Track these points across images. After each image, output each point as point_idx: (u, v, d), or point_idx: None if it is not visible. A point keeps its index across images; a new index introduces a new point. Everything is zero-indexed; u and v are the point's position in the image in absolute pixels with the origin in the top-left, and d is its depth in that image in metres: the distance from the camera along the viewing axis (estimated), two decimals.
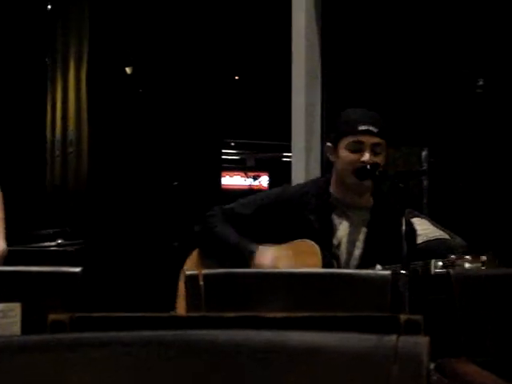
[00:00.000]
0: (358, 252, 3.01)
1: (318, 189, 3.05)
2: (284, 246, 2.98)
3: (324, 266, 2.87)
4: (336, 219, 3.03)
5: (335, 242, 3.01)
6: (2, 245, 3.35)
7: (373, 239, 3.01)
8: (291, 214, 3.00)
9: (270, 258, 2.96)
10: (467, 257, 2.82)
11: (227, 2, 7.98)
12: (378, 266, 2.87)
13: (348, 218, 3.04)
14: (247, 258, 2.96)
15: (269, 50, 8.08)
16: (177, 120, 8.05)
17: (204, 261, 3.06)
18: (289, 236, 2.98)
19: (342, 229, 3.03)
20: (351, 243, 3.02)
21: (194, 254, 3.12)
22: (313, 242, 2.92)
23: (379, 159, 2.95)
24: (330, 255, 2.95)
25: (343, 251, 3.01)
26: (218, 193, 9.02)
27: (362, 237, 3.02)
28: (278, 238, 2.99)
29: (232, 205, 3.11)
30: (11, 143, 6.22)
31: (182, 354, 1.16)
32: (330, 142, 3.07)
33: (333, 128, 3.13)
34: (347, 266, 2.97)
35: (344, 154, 2.98)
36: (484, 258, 2.83)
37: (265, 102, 9.25)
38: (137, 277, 6.46)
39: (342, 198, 3.04)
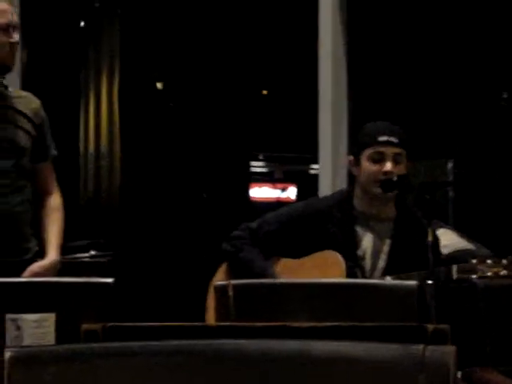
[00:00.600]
0: (382, 264, 3.03)
1: (341, 201, 3.08)
2: (307, 258, 3.01)
3: (348, 277, 2.90)
4: (360, 231, 3.05)
5: (360, 253, 3.03)
6: (53, 256, 3.22)
7: (397, 251, 3.03)
8: (316, 227, 3.03)
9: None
10: (489, 261, 2.83)
11: (257, 18, 8.02)
12: (388, 278, 2.89)
13: (372, 230, 3.06)
14: None
15: (297, 64, 8.11)
16: (206, 133, 8.10)
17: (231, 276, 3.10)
18: (314, 249, 3.00)
19: (367, 240, 3.05)
20: (375, 255, 3.04)
21: (224, 266, 3.16)
22: (335, 253, 2.94)
23: (400, 169, 2.98)
24: (354, 266, 2.98)
25: (368, 263, 3.03)
26: (247, 204, 9.04)
27: (386, 248, 3.04)
28: (303, 251, 3.02)
29: (258, 221, 3.14)
30: None
31: (211, 363, 1.18)
32: (353, 155, 3.11)
33: (354, 142, 3.17)
34: (371, 278, 2.99)
35: (366, 165, 3.02)
36: (505, 261, 2.84)
37: (292, 115, 9.27)
38: (168, 288, 6.50)
39: (366, 210, 3.06)
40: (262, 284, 2.53)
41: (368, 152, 3.01)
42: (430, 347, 1.13)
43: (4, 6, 3.17)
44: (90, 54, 7.83)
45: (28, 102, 3.27)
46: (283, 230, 3.07)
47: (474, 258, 3.51)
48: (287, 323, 1.33)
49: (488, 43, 5.53)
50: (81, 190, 7.81)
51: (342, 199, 3.09)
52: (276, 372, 1.18)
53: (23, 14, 5.24)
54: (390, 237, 3.05)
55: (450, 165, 4.76)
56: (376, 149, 3.00)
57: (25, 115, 3.23)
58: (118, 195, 7.57)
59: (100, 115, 7.74)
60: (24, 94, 3.38)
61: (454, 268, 2.87)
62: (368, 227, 3.06)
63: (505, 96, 5.68)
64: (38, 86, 5.82)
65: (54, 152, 3.42)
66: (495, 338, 2.51)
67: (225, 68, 8.08)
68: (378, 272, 3.03)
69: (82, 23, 7.74)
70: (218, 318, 2.45)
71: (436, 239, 3.09)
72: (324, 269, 2.94)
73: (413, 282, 2.44)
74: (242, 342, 1.22)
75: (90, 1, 7.62)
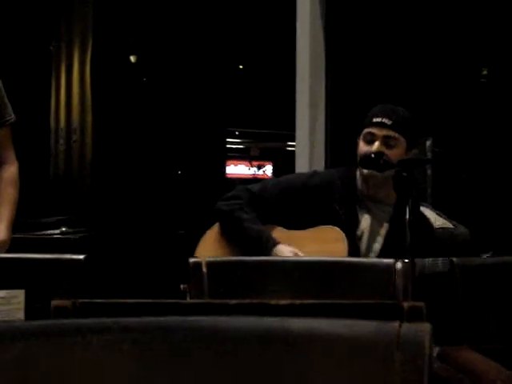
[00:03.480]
0: (377, 246, 3.04)
1: (344, 178, 3.07)
2: (309, 231, 3.00)
3: (350, 254, 2.91)
4: (359, 211, 3.05)
5: (358, 233, 3.03)
6: (3, 235, 3.01)
7: (393, 235, 3.02)
8: (317, 200, 3.02)
9: (288, 254, 2.98)
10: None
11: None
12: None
13: (370, 212, 3.06)
14: (266, 251, 2.98)
15: (274, 39, 8.07)
16: (181, 109, 8.05)
17: (221, 239, 3.07)
18: (313, 222, 3.00)
19: (364, 222, 3.05)
20: (372, 237, 3.04)
21: (212, 231, 3.11)
22: (339, 229, 2.94)
23: (392, 153, 2.95)
24: (352, 245, 2.97)
25: (364, 244, 3.03)
26: (223, 181, 9.02)
27: (383, 232, 3.05)
28: (301, 222, 3.01)
29: (259, 185, 3.13)
30: (14, 131, 6.22)
31: (184, 340, 1.17)
32: (358, 137, 3.10)
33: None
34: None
35: (360, 145, 3.03)
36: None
37: (269, 91, 9.25)
38: (141, 264, 6.47)
39: (365, 190, 3.06)
40: (236, 261, 2.51)
41: (364, 132, 3.02)
42: (406, 324, 1.14)
43: None
44: (62, 26, 7.74)
45: None
46: (284, 198, 3.05)
47: (451, 235, 3.51)
48: (264, 300, 1.30)
49: (467, 19, 5.52)
50: (51, 166, 7.74)
51: (346, 177, 3.08)
52: (251, 349, 1.17)
53: None
54: (389, 220, 3.04)
55: (428, 143, 4.76)
56: (369, 129, 2.99)
57: None
58: (89, 171, 7.51)
59: (71, 89, 7.66)
60: None
61: (440, 262, 2.87)
62: (367, 209, 3.06)
63: (484, 73, 5.68)
64: (6, 58, 5.74)
65: (10, 117, 3.19)
66: (471, 316, 2.51)
67: (200, 42, 8.03)
68: (373, 254, 3.03)
69: None
70: (192, 295, 2.43)
71: (427, 221, 3.09)
72: (325, 244, 2.94)
73: (391, 260, 2.43)
74: (217, 318, 1.21)
75: None
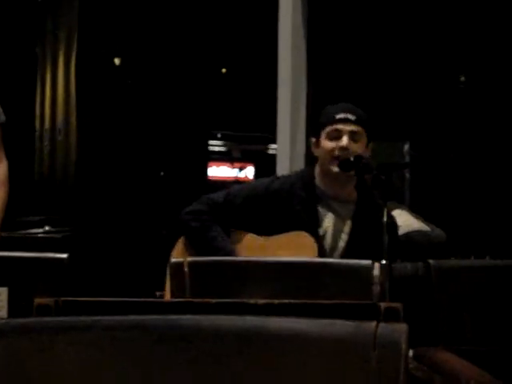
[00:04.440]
0: (342, 244, 3.05)
1: (303, 180, 3.09)
2: (279, 237, 3.01)
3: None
4: (321, 211, 3.06)
5: (321, 232, 3.04)
6: None
7: (357, 232, 3.04)
8: (279, 204, 3.03)
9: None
10: None
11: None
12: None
13: (333, 211, 3.07)
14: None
15: (256, 43, 8.09)
16: (164, 111, 8.06)
17: (191, 250, 3.09)
18: (277, 227, 3.01)
19: (327, 221, 3.06)
20: (336, 235, 3.05)
21: (183, 239, 3.14)
22: (307, 234, 2.95)
23: (358, 147, 2.99)
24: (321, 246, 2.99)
25: (328, 242, 3.04)
26: (205, 183, 9.03)
27: (346, 229, 3.06)
28: (266, 228, 3.02)
29: (220, 195, 3.12)
30: None
31: (165, 339, 1.18)
32: (313, 137, 3.12)
33: (315, 123, 3.19)
34: (331, 258, 3.00)
35: (324, 143, 3.04)
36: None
37: (251, 94, 9.26)
38: (124, 264, 6.48)
39: (327, 190, 3.07)
40: (217, 261, 2.53)
41: (326, 130, 3.04)
42: (382, 324, 1.15)
43: None
44: (48, 27, 7.73)
45: None
46: (248, 205, 3.06)
47: (427, 238, 3.54)
48: (244, 300, 1.33)
49: (446, 26, 5.56)
50: (36, 165, 7.74)
51: (305, 178, 3.10)
52: (232, 348, 1.18)
53: None
54: (351, 218, 3.06)
55: (406, 147, 4.80)
56: (333, 126, 3.02)
57: None
58: (73, 171, 7.51)
59: (56, 90, 7.66)
60: None
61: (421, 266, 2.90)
62: (329, 207, 3.07)
63: (462, 79, 5.72)
64: None
65: (1, 117, 3.23)
66: (447, 318, 2.54)
67: (184, 45, 8.04)
68: (338, 252, 3.04)
69: None
70: (173, 294, 2.45)
71: (394, 222, 3.11)
72: (296, 250, 2.94)
73: (369, 262, 2.46)
74: (198, 317, 1.22)
75: None
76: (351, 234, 3.04)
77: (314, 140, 3.12)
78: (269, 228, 3.01)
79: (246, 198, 3.06)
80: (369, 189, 3.10)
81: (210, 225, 3.05)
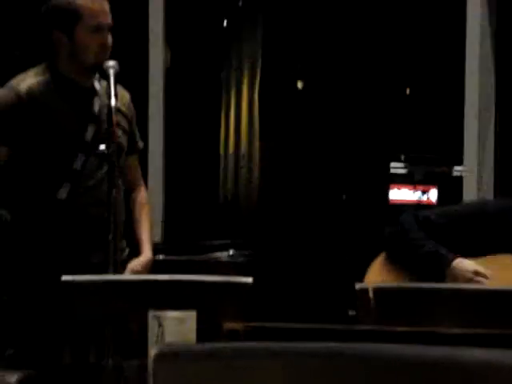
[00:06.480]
0: None
1: None
2: (486, 258, 2.95)
3: None
4: None
5: None
6: (148, 254, 3.21)
7: None
8: (488, 229, 2.96)
9: (470, 267, 2.93)
10: None
11: (398, 17, 7.94)
12: None
13: None
14: (444, 265, 2.94)
15: (442, 63, 7.96)
16: (346, 133, 8.06)
17: (389, 266, 3.07)
18: (484, 250, 2.95)
19: None
20: None
21: (379, 259, 3.12)
22: None
23: None
24: None
25: None
26: (386, 206, 8.95)
27: None
28: (471, 250, 2.96)
29: (427, 212, 3.12)
30: (186, 156, 6.42)
31: (352, 366, 1.17)
32: None
33: None
34: None
35: None
36: None
37: (436, 115, 9.12)
38: (306, 289, 6.50)
39: None
40: (404, 288, 2.48)
41: None
42: None
43: (107, 5, 3.17)
44: (232, 54, 7.92)
45: (121, 97, 3.15)
46: (452, 227, 3.01)
47: None
48: (432, 329, 1.29)
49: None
50: (220, 190, 7.93)
51: None
52: (421, 379, 1.15)
53: (167, 17, 5.35)
54: None
55: None
56: None
57: (120, 111, 3.13)
58: (256, 195, 7.63)
59: (240, 116, 7.82)
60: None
61: None
62: None
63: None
64: (179, 86, 5.94)
65: (140, 144, 3.37)
66: None
67: (367, 66, 8.02)
68: None
69: (225, 23, 7.84)
70: (360, 321, 2.42)
71: None
72: (505, 272, 2.87)
73: None
74: (386, 346, 1.19)
75: (234, 0, 7.72)
76: None
77: None
78: (473, 251, 2.95)
79: (451, 220, 3.02)
80: None
81: (413, 229, 3.03)
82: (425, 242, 2.99)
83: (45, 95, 3.12)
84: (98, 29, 3.09)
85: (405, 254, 3.02)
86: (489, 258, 2.95)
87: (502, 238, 2.93)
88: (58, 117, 3.12)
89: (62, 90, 3.14)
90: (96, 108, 3.17)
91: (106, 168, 3.06)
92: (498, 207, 3.01)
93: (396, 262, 3.05)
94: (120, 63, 3.12)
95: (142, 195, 3.33)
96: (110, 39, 3.13)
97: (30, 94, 3.10)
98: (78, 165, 3.09)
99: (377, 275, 3.07)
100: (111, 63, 3.09)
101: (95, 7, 3.10)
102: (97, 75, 3.21)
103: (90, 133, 3.13)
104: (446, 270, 2.91)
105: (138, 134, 3.37)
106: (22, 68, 3.23)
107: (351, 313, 2.96)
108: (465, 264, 2.93)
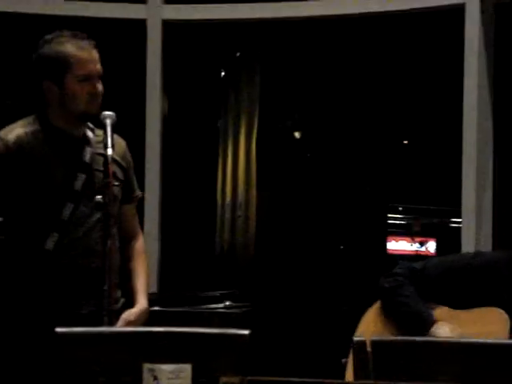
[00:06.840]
0: None
1: (509, 261, 3.00)
2: (473, 311, 2.94)
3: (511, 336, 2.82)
4: None
5: None
6: (143, 304, 3.16)
7: None
8: (474, 282, 2.96)
9: (448, 330, 2.94)
10: None
11: (394, 69, 7.99)
12: None
13: None
14: (423, 329, 2.96)
15: (439, 114, 8.00)
16: (343, 184, 8.07)
17: (382, 317, 3.07)
18: (476, 302, 2.94)
19: None
20: None
21: (373, 308, 3.11)
22: (502, 311, 2.86)
23: None
24: None
25: None
26: (384, 257, 8.93)
27: None
28: (464, 302, 2.97)
29: (421, 264, 3.12)
30: (183, 205, 6.40)
31: None
32: None
33: None
34: None
35: None
36: None
37: (433, 166, 9.14)
38: (304, 341, 6.45)
39: None
40: (402, 341, 2.44)
41: None
42: None
43: (96, 54, 3.17)
44: (230, 103, 7.95)
45: (117, 146, 3.14)
46: (446, 277, 3.02)
47: None
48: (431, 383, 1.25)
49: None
50: (217, 240, 7.88)
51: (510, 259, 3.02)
52: None
53: (165, 66, 5.36)
54: None
55: None
56: None
57: (115, 161, 3.11)
58: (253, 245, 7.59)
59: (237, 164, 7.82)
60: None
61: None
62: None
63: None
64: (177, 135, 5.94)
65: (139, 193, 3.35)
66: None
67: (364, 118, 8.06)
68: None
69: (223, 72, 7.88)
70: (356, 375, 2.37)
71: None
72: (486, 326, 2.86)
73: None
74: None
75: (231, 51, 7.76)
76: None
77: None
78: (466, 303, 2.95)
79: (446, 270, 3.03)
80: None
81: (403, 284, 3.03)
82: (410, 300, 3.02)
83: (33, 145, 3.10)
84: (88, 77, 3.08)
85: (392, 309, 3.05)
86: (475, 310, 2.95)
87: (489, 292, 2.93)
88: (46, 166, 3.10)
89: (50, 139, 3.12)
90: (87, 157, 3.14)
91: (97, 216, 3.04)
92: (486, 260, 3.02)
93: (387, 315, 3.07)
94: (117, 111, 3.10)
95: (139, 244, 3.31)
96: (100, 87, 3.12)
97: (18, 143, 3.08)
98: (66, 214, 3.06)
99: (370, 325, 3.07)
100: (108, 113, 3.08)
101: (84, 56, 3.09)
102: (90, 124, 3.20)
103: (79, 182, 3.10)
104: (425, 333, 2.96)
105: (135, 183, 3.34)
106: (14, 116, 3.22)
107: (344, 360, 2.94)
108: (440, 332, 2.97)
